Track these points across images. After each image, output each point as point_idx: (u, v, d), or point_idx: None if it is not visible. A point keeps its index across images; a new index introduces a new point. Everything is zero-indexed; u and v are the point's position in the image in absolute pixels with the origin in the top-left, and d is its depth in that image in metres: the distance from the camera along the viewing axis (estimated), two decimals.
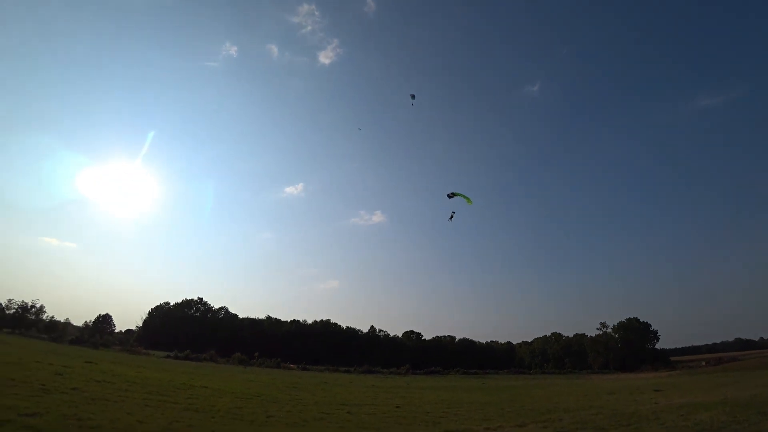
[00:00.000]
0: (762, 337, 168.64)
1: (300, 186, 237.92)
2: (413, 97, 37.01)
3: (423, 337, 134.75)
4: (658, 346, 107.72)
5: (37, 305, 75.94)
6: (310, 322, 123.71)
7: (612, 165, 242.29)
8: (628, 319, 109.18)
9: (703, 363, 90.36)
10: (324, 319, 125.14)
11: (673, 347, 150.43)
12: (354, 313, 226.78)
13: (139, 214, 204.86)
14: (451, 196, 28.90)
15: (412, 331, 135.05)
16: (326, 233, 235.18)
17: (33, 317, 74.06)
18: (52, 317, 77.42)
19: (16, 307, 73.68)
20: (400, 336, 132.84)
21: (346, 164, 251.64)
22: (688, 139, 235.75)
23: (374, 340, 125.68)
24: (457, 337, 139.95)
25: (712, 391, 25.42)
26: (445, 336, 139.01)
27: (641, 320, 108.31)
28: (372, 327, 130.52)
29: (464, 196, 28.54)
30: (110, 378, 21.30)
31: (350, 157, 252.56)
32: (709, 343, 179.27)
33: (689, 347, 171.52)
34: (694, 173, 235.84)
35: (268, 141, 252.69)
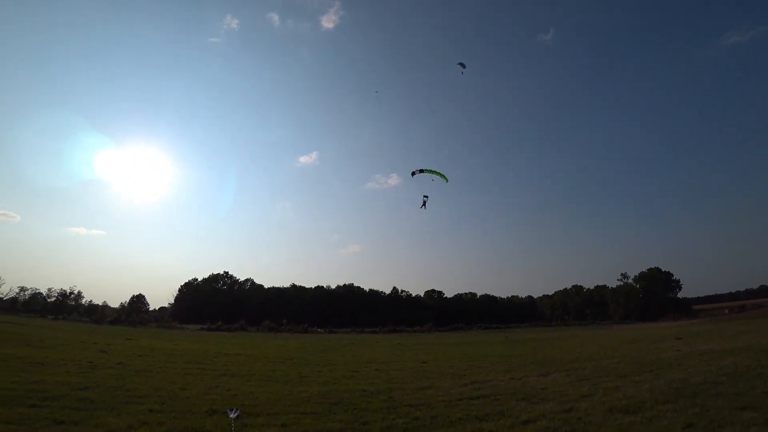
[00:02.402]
0: None
1: (314, 155, 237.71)
2: (463, 66, 33.90)
3: (445, 296, 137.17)
4: (680, 295, 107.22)
5: (75, 291, 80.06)
6: (333, 287, 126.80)
7: (632, 110, 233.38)
8: (650, 270, 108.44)
9: (726, 311, 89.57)
10: (347, 283, 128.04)
11: (696, 296, 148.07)
12: (376, 276, 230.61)
13: (159, 196, 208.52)
14: (417, 173, 26.04)
15: (433, 290, 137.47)
16: (344, 199, 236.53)
17: (73, 302, 78.11)
18: (90, 301, 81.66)
19: (56, 294, 77.89)
20: (422, 295, 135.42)
21: (359, 129, 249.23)
22: (713, 79, 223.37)
23: (397, 300, 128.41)
24: (479, 294, 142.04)
25: (735, 338, 25.42)
26: (466, 293, 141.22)
27: (663, 270, 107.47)
28: (394, 288, 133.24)
29: (437, 173, 25.62)
30: (150, 352, 22.61)
31: (362, 122, 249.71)
32: (732, 291, 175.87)
33: (712, 296, 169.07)
34: (719, 116, 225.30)
35: (279, 112, 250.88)
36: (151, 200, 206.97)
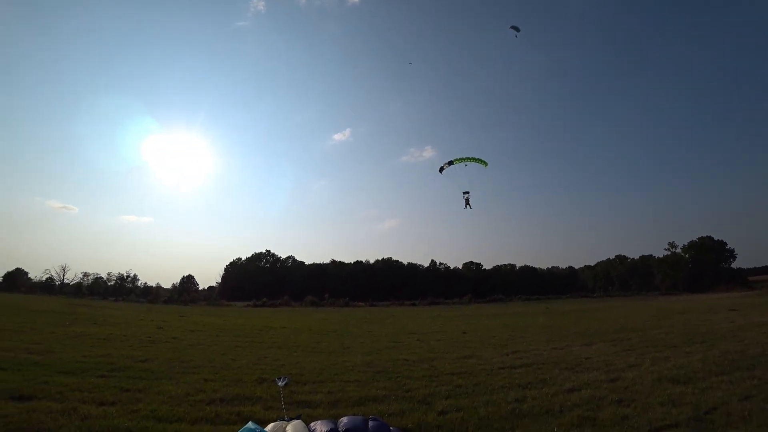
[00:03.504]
0: None
1: (347, 132, 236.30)
2: (516, 29, 30.82)
3: (483, 267, 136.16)
4: (734, 265, 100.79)
5: (132, 275, 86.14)
6: (372, 261, 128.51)
7: (679, 77, 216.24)
8: (701, 238, 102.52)
9: None
10: (386, 257, 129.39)
11: (752, 266, 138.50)
12: (414, 249, 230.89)
13: (200, 181, 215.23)
14: (446, 166, 22.57)
15: (471, 262, 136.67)
16: (379, 175, 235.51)
17: (130, 285, 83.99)
18: (146, 283, 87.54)
19: (115, 278, 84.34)
20: (460, 267, 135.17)
21: (391, 104, 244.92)
22: None
23: (435, 273, 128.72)
24: (518, 265, 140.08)
25: None
26: (505, 264, 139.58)
27: (715, 239, 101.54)
28: (432, 261, 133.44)
29: (472, 159, 22.26)
30: (201, 327, 23.89)
31: (393, 96, 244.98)
32: None
33: None
34: None
35: (311, 91, 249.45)
36: (194, 185, 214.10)
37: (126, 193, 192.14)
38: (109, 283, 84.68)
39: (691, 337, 15.65)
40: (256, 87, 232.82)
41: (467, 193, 22.84)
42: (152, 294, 77.82)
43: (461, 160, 21.92)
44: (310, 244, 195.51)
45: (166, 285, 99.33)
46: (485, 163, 22.32)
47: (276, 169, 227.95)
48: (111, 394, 8.40)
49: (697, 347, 13.36)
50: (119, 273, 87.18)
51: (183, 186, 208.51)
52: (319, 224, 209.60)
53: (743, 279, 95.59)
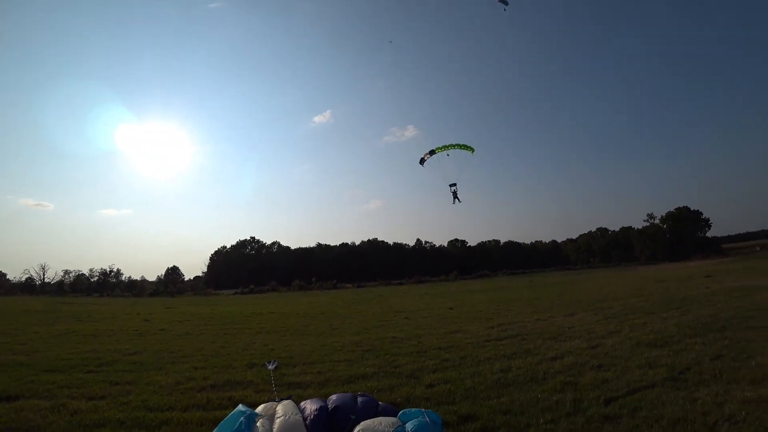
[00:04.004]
0: None
1: (328, 113, 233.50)
2: (505, 2, 28.08)
3: (468, 244, 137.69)
4: (709, 234, 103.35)
5: (115, 269, 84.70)
6: (358, 243, 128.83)
7: (658, 45, 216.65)
8: (678, 209, 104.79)
9: (758, 249, 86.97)
10: (371, 238, 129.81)
11: (726, 234, 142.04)
12: (399, 229, 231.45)
13: (179, 170, 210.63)
14: (427, 157, 20.28)
15: (456, 239, 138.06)
16: (361, 156, 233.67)
17: (114, 280, 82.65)
18: (130, 277, 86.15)
19: (98, 274, 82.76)
20: (445, 245, 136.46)
21: (371, 84, 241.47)
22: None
23: (421, 252, 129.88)
24: (502, 241, 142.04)
25: (767, 274, 25.01)
26: (489, 241, 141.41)
27: (692, 209, 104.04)
28: (418, 240, 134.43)
29: (456, 146, 20.15)
30: (189, 317, 23.80)
31: (374, 76, 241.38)
32: (765, 228, 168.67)
33: (743, 234, 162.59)
34: (744, 44, 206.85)
35: (288, 73, 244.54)
36: (173, 175, 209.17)
37: (103, 187, 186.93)
38: (91, 280, 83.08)
39: (667, 303, 16.23)
40: (232, 71, 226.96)
41: (454, 185, 20.63)
42: (137, 287, 76.82)
43: (444, 148, 19.93)
44: (296, 229, 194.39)
45: (151, 278, 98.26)
46: (472, 150, 20.13)
47: (257, 155, 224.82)
48: (100, 388, 8.39)
49: (673, 313, 13.89)
50: (101, 268, 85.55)
51: (162, 176, 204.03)
52: (303, 208, 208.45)
53: (718, 247, 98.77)
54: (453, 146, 19.88)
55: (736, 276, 26.28)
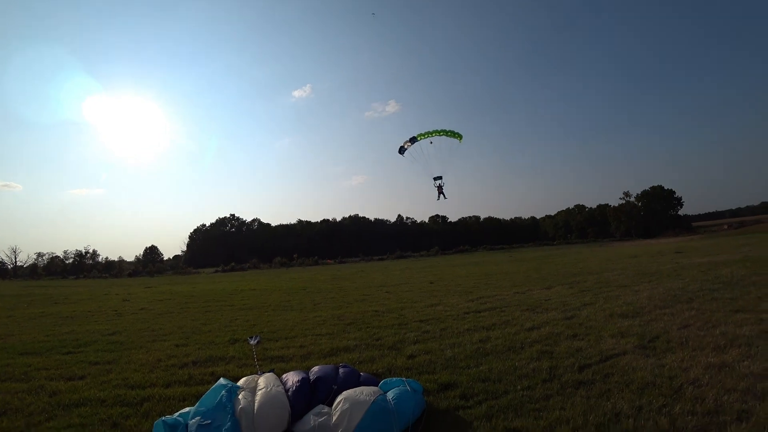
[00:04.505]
0: None
1: (308, 87, 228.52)
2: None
3: (449, 220, 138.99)
4: (681, 212, 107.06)
5: (90, 250, 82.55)
6: (339, 219, 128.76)
7: (633, 21, 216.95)
8: (653, 188, 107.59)
9: (725, 227, 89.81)
10: (353, 214, 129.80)
11: (696, 213, 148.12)
12: (381, 205, 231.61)
13: (154, 146, 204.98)
14: (407, 146, 18.07)
15: (437, 215, 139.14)
16: (342, 131, 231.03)
17: (90, 261, 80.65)
18: (107, 258, 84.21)
19: (73, 256, 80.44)
20: (427, 221, 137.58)
21: (351, 58, 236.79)
22: None
23: (403, 227, 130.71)
24: (482, 217, 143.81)
25: (733, 251, 25.93)
26: (470, 217, 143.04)
27: (666, 188, 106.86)
28: (399, 216, 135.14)
29: (441, 132, 17.88)
30: (170, 296, 23.54)
31: (354, 50, 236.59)
32: (733, 207, 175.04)
33: (713, 212, 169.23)
34: (726, 33, 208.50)
35: (267, 46, 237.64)
36: (147, 152, 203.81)
37: (72, 165, 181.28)
38: (66, 262, 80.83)
39: (640, 277, 16.78)
40: (207, 42, 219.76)
41: (439, 178, 18.65)
42: (115, 268, 75.48)
43: (427, 135, 18.05)
44: (276, 206, 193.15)
45: (129, 258, 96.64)
46: (459, 137, 18.09)
47: (235, 131, 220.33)
48: (79, 368, 8.32)
49: (645, 286, 14.38)
50: (76, 250, 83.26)
51: (136, 153, 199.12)
52: (283, 185, 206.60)
53: (688, 225, 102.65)
54: (438, 133, 17.87)
55: (703, 252, 27.28)
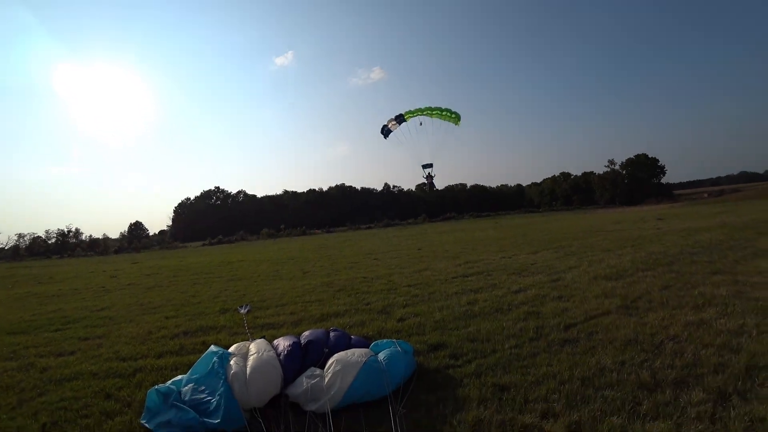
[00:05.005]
0: (767, 170, 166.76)
1: (290, 54, 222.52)
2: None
3: (435, 188, 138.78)
4: (663, 180, 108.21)
5: (73, 229, 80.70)
6: (326, 189, 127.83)
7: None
8: (637, 156, 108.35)
9: (705, 195, 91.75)
10: (339, 183, 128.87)
11: (678, 181, 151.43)
12: (367, 174, 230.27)
13: (134, 119, 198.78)
14: (393, 124, 15.55)
15: (424, 183, 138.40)
16: (326, 99, 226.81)
17: (73, 240, 78.88)
18: (91, 236, 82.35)
19: (55, 235, 78.67)
20: (413, 189, 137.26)
21: (333, 23, 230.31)
22: None
23: (389, 196, 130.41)
24: (468, 184, 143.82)
25: (712, 217, 26.48)
26: (456, 184, 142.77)
27: (650, 156, 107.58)
28: (386, 184, 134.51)
29: (434, 112, 15.09)
30: (157, 270, 23.41)
31: (335, 14, 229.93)
32: (713, 176, 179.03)
33: (693, 181, 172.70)
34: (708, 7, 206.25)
35: (247, 10, 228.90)
36: (123, 124, 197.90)
37: (46, 141, 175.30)
38: (49, 242, 78.89)
39: (623, 242, 17.12)
40: (188, 7, 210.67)
41: (429, 167, 16.38)
42: (100, 246, 73.78)
43: (417, 112, 15.49)
44: (261, 177, 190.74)
45: (114, 235, 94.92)
46: (456, 119, 15.57)
47: (217, 101, 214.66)
48: (69, 344, 8.30)
49: (628, 250, 14.70)
50: (58, 229, 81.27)
51: (111, 126, 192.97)
52: (268, 155, 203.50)
53: (670, 193, 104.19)
54: (431, 112, 15.43)
55: (684, 219, 27.86)
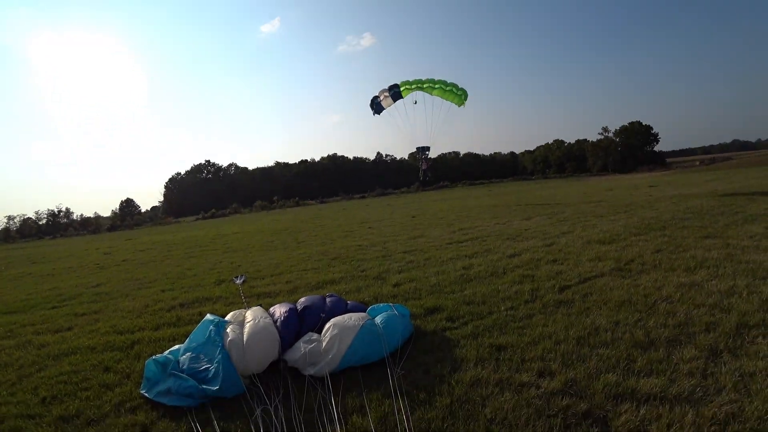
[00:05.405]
0: (759, 139, 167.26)
1: (276, 21, 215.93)
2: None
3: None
4: (656, 148, 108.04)
5: (63, 209, 79.58)
6: (318, 159, 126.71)
7: None
8: (631, 123, 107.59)
9: (697, 163, 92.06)
10: (331, 153, 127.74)
11: (671, 149, 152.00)
12: (360, 144, 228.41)
13: (118, 91, 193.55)
14: (383, 97, 14.10)
15: (417, 152, 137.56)
16: (316, 68, 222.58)
17: (65, 220, 77.87)
18: (82, 215, 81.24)
19: (46, 216, 77.53)
20: (406, 158, 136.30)
21: None
22: None
23: (382, 165, 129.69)
24: (462, 152, 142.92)
25: (703, 185, 26.58)
26: (449, 152, 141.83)
27: (643, 123, 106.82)
28: (378, 153, 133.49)
29: (436, 86, 13.37)
30: (151, 246, 23.32)
31: None
32: (706, 144, 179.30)
33: (686, 149, 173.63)
34: None
35: None
36: (111, 97, 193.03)
37: (26, 117, 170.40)
38: (40, 223, 77.75)
39: (615, 208, 17.21)
40: None
41: (426, 150, 14.21)
42: (93, 224, 72.82)
43: (417, 85, 13.28)
44: (252, 149, 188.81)
45: (105, 214, 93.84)
46: (460, 98, 13.58)
47: (202, 72, 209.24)
48: (65, 321, 8.29)
49: (621, 216, 14.79)
50: (48, 209, 79.98)
51: (96, 100, 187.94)
52: (258, 126, 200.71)
53: (662, 160, 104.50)
54: (432, 86, 13.42)
55: (676, 186, 27.99)
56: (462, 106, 14.14)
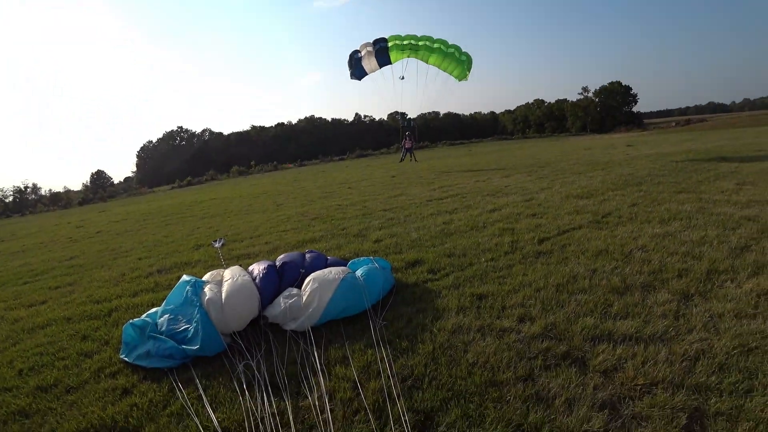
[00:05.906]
0: (734, 101, 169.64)
1: None
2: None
3: (408, 116, 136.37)
4: (634, 109, 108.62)
5: (30, 184, 75.97)
6: (295, 122, 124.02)
7: None
8: (611, 83, 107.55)
9: (673, 124, 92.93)
10: (308, 115, 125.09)
11: (648, 111, 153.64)
12: (337, 105, 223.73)
13: (79, 55, 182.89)
14: (366, 56, 12.38)
15: (396, 112, 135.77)
16: (291, 25, 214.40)
17: (32, 196, 74.47)
18: (50, 190, 77.56)
19: (11, 193, 73.88)
20: (385, 119, 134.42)
21: None
22: None
23: (361, 126, 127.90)
24: (441, 113, 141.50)
25: (678, 144, 27.02)
26: (429, 113, 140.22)
27: (623, 84, 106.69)
28: (357, 114, 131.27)
29: (439, 52, 11.82)
30: (125, 216, 22.66)
31: None
32: (682, 106, 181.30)
33: (663, 111, 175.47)
34: None
35: None
36: (71, 62, 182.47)
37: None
38: (5, 201, 73.92)
39: (593, 166, 17.43)
40: None
41: (409, 124, 12.80)
42: (63, 199, 69.85)
43: (409, 40, 11.23)
44: (225, 113, 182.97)
45: (76, 187, 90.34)
46: (461, 69, 11.67)
47: (169, 33, 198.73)
48: (39, 295, 8.04)
49: (598, 173, 15.02)
50: (14, 186, 75.93)
51: (54, 65, 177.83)
52: (230, 89, 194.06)
53: (640, 121, 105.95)
54: (428, 47, 11.34)
55: (652, 146, 28.37)
56: (464, 79, 11.95)
